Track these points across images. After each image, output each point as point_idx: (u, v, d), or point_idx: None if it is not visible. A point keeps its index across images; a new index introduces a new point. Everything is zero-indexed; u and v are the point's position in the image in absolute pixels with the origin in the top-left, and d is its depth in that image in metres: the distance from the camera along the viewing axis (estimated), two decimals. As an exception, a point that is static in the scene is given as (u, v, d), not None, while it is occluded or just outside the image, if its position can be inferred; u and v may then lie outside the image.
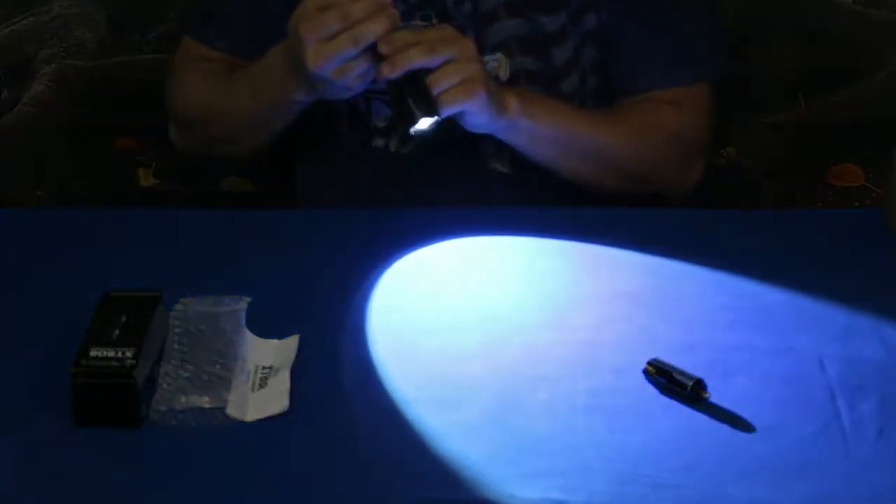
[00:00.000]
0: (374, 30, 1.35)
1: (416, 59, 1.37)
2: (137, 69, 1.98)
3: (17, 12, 2.10)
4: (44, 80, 1.93)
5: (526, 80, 1.53)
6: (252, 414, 1.16)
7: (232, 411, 1.16)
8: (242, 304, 1.25)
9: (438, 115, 1.38)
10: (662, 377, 1.20)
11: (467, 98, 1.40)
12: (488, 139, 1.53)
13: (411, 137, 1.40)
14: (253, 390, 1.18)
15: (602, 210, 1.50)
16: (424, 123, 1.38)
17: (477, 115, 1.43)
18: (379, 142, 1.58)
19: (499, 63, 1.51)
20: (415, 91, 1.37)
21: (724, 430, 1.15)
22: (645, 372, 1.21)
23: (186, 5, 1.72)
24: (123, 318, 1.18)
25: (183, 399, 1.16)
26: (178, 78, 1.61)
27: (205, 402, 1.16)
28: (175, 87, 1.61)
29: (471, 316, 1.30)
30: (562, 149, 1.53)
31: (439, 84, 1.38)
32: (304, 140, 1.61)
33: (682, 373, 1.19)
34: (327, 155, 1.63)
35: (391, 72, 1.36)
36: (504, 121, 1.47)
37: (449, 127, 1.42)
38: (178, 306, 1.24)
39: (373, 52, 1.36)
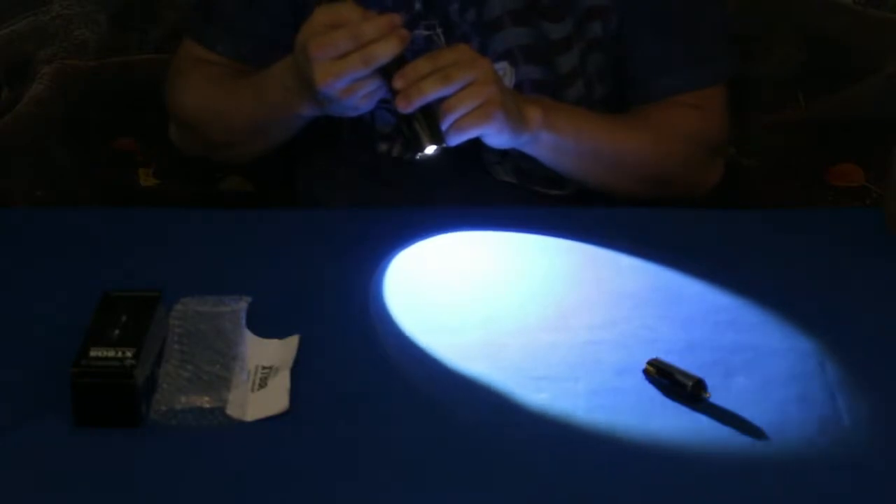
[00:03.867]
0: (385, 51, 1.33)
1: (431, 91, 1.35)
2: (137, 69, 1.97)
3: (17, 12, 2.09)
4: (44, 80, 1.92)
5: (531, 89, 1.52)
6: (252, 414, 1.16)
7: (232, 411, 1.16)
8: (242, 304, 1.25)
9: (446, 144, 1.38)
10: (662, 377, 1.20)
11: (483, 123, 1.38)
12: (491, 147, 1.53)
13: (416, 159, 1.40)
14: (253, 390, 1.18)
15: (603, 210, 1.50)
16: (431, 149, 1.37)
17: (496, 135, 1.42)
18: (382, 147, 1.58)
19: (504, 72, 1.51)
20: (423, 119, 1.36)
21: (724, 430, 1.15)
22: (645, 372, 1.21)
23: (188, 6, 1.72)
24: (123, 318, 1.18)
25: (183, 399, 1.16)
26: (179, 79, 1.61)
27: (205, 402, 1.16)
28: (175, 88, 1.61)
29: (471, 316, 1.30)
30: (586, 158, 1.52)
31: (454, 111, 1.36)
32: (305, 142, 1.61)
33: (682, 373, 1.19)
34: (329, 158, 1.63)
35: (406, 106, 1.34)
36: (526, 135, 1.45)
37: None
38: (178, 306, 1.24)
39: (381, 72, 1.35)
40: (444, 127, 1.37)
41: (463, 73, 1.37)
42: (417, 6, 1.51)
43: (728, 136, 1.62)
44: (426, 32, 1.48)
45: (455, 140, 1.38)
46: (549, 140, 1.48)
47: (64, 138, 1.88)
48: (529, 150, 1.49)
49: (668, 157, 1.55)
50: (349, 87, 1.35)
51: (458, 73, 1.36)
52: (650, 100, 1.56)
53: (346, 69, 1.34)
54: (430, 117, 1.36)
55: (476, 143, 1.53)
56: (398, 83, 1.34)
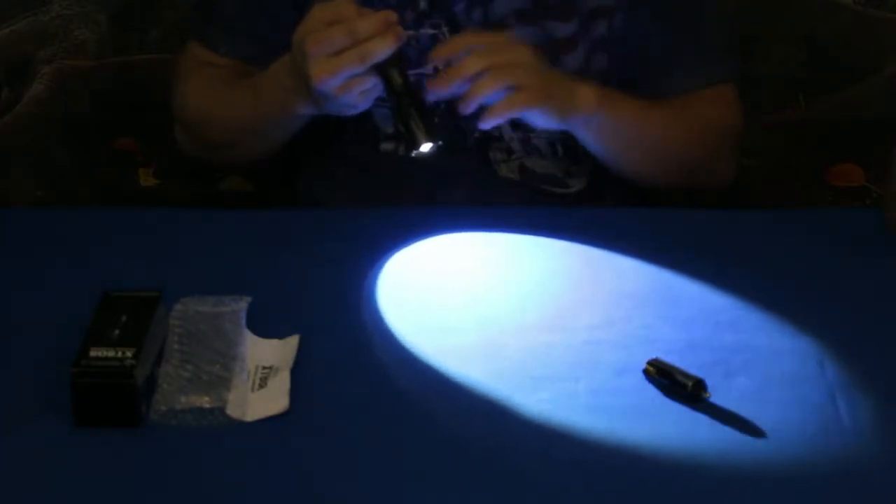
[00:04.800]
0: (380, 48, 1.33)
1: (472, 71, 1.35)
2: (137, 69, 1.97)
3: (17, 12, 2.09)
4: (44, 80, 1.92)
5: None
6: (252, 414, 1.16)
7: (232, 411, 1.16)
8: (242, 304, 1.25)
9: (440, 142, 1.38)
10: (662, 377, 1.20)
11: (520, 107, 1.38)
12: (497, 145, 1.53)
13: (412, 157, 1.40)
14: (253, 390, 1.18)
15: (603, 210, 1.50)
16: (426, 147, 1.38)
17: (540, 117, 1.42)
18: (387, 146, 1.58)
19: None
20: (419, 117, 1.36)
21: (724, 430, 1.15)
22: (645, 372, 1.21)
23: (188, 6, 1.72)
24: (123, 318, 1.18)
25: (183, 399, 1.16)
26: (183, 81, 1.61)
27: (205, 402, 1.16)
28: (180, 90, 1.61)
29: (471, 316, 1.30)
30: (631, 143, 1.52)
31: (483, 91, 1.36)
32: (306, 142, 1.61)
33: (682, 373, 1.19)
34: (329, 158, 1.63)
35: (443, 89, 1.36)
36: (579, 117, 1.45)
37: (458, 132, 1.42)
38: (178, 306, 1.24)
39: (377, 69, 1.35)
40: (473, 107, 1.37)
41: (503, 56, 1.37)
42: (423, 5, 1.51)
43: (743, 130, 1.62)
44: (431, 31, 1.48)
45: (487, 125, 1.39)
46: (600, 123, 1.47)
47: (64, 138, 1.88)
48: (578, 132, 1.48)
49: (700, 145, 1.55)
50: (345, 84, 1.36)
51: (499, 56, 1.37)
52: (664, 97, 1.56)
53: (342, 66, 1.34)
54: (425, 115, 1.37)
55: (484, 141, 1.53)
56: (437, 59, 1.35)
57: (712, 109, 1.56)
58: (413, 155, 1.38)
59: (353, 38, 1.34)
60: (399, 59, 1.35)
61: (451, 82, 1.36)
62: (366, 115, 1.52)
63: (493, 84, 1.36)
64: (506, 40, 1.40)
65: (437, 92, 1.37)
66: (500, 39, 1.40)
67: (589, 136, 1.50)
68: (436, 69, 1.39)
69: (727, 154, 1.60)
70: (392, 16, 1.35)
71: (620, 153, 1.53)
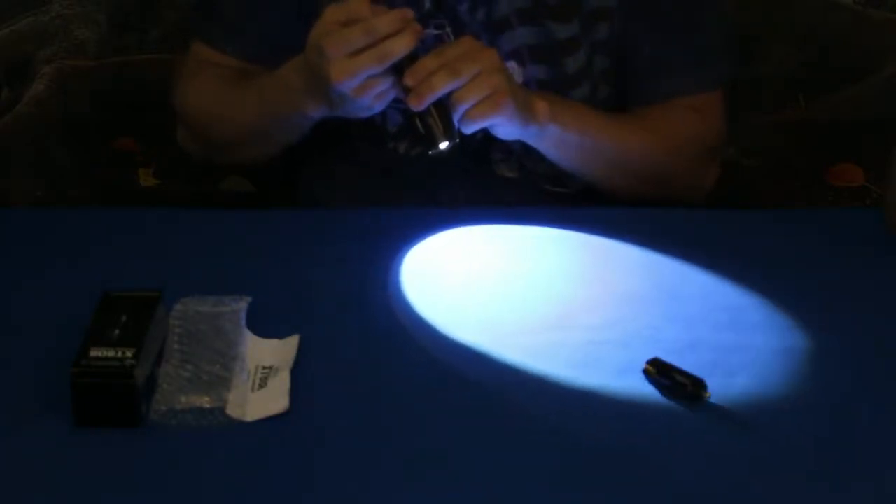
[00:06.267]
0: (399, 46, 1.33)
1: (441, 86, 1.35)
2: (137, 69, 1.98)
3: (17, 12, 2.10)
4: (44, 80, 1.93)
5: (537, 89, 1.52)
6: (252, 414, 1.16)
7: (232, 411, 1.16)
8: (242, 304, 1.25)
9: (458, 140, 1.38)
10: (662, 377, 1.20)
11: (494, 112, 1.38)
12: (497, 144, 1.53)
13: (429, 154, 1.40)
14: (253, 390, 1.19)
15: (603, 210, 1.50)
16: (444, 145, 1.38)
17: (506, 125, 1.42)
18: (393, 144, 1.58)
19: (512, 71, 1.51)
20: (437, 115, 1.36)
21: (725, 430, 1.15)
22: (645, 372, 1.21)
23: (188, 7, 1.72)
24: (123, 318, 1.18)
25: (183, 399, 1.16)
26: (186, 81, 1.60)
27: (205, 402, 1.16)
28: (181, 90, 1.61)
29: (472, 315, 1.30)
30: (590, 154, 1.52)
31: (464, 101, 1.36)
32: (309, 142, 1.61)
33: (682, 373, 1.19)
34: (330, 158, 1.63)
35: (418, 104, 1.35)
36: (535, 127, 1.46)
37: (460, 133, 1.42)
38: (178, 306, 1.24)
39: (395, 69, 1.35)
40: (455, 118, 1.37)
41: (470, 65, 1.36)
42: (427, 5, 1.50)
43: (725, 139, 1.63)
44: (436, 31, 1.48)
45: (467, 130, 1.39)
46: (555, 133, 1.48)
47: (64, 138, 1.88)
48: (535, 142, 1.49)
49: (667, 158, 1.56)
50: (362, 84, 1.35)
51: (465, 65, 1.36)
52: (650, 101, 1.56)
53: (362, 66, 1.33)
54: (442, 113, 1.37)
55: (484, 141, 1.53)
56: (408, 81, 1.35)
57: (690, 122, 1.56)
58: (430, 153, 1.38)
59: (371, 38, 1.33)
60: (414, 58, 1.35)
61: (423, 98, 1.35)
62: (373, 117, 1.52)
63: (471, 94, 1.36)
64: (475, 48, 1.39)
65: (414, 107, 1.36)
66: (470, 48, 1.39)
67: (544, 147, 1.50)
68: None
69: (700, 165, 1.60)
70: (409, 13, 1.34)
71: (578, 165, 1.54)
